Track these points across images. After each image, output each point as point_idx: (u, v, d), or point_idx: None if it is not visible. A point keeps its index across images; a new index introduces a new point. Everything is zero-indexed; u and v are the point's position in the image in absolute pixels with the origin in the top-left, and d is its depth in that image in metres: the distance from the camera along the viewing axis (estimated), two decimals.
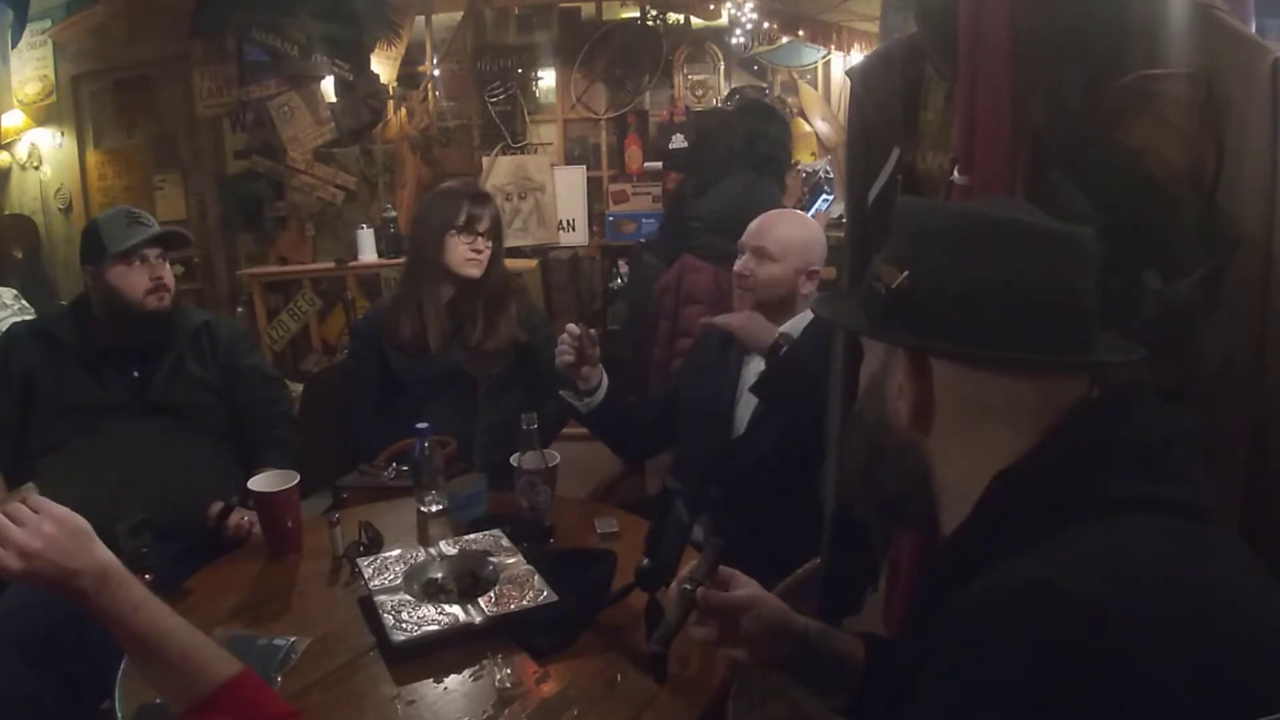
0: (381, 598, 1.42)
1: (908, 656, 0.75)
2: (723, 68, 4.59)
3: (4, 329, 2.46)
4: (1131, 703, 0.58)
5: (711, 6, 4.33)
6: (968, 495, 0.76)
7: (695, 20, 4.54)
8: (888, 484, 0.83)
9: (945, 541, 0.80)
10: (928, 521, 0.83)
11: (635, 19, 4.57)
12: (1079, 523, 0.68)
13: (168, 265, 2.07)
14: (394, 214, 4.44)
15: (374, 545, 1.65)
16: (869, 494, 0.88)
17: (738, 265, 2.03)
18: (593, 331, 1.96)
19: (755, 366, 2.06)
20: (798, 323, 2.03)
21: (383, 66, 4.51)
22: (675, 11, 4.51)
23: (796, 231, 2.03)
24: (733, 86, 4.52)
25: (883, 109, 1.45)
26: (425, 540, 1.70)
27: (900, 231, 0.83)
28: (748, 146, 3.27)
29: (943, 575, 0.76)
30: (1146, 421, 0.75)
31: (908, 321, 0.78)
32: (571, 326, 1.95)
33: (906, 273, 0.77)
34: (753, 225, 2.06)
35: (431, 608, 1.40)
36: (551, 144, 4.68)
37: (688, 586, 1.03)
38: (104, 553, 0.95)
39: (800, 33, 4.14)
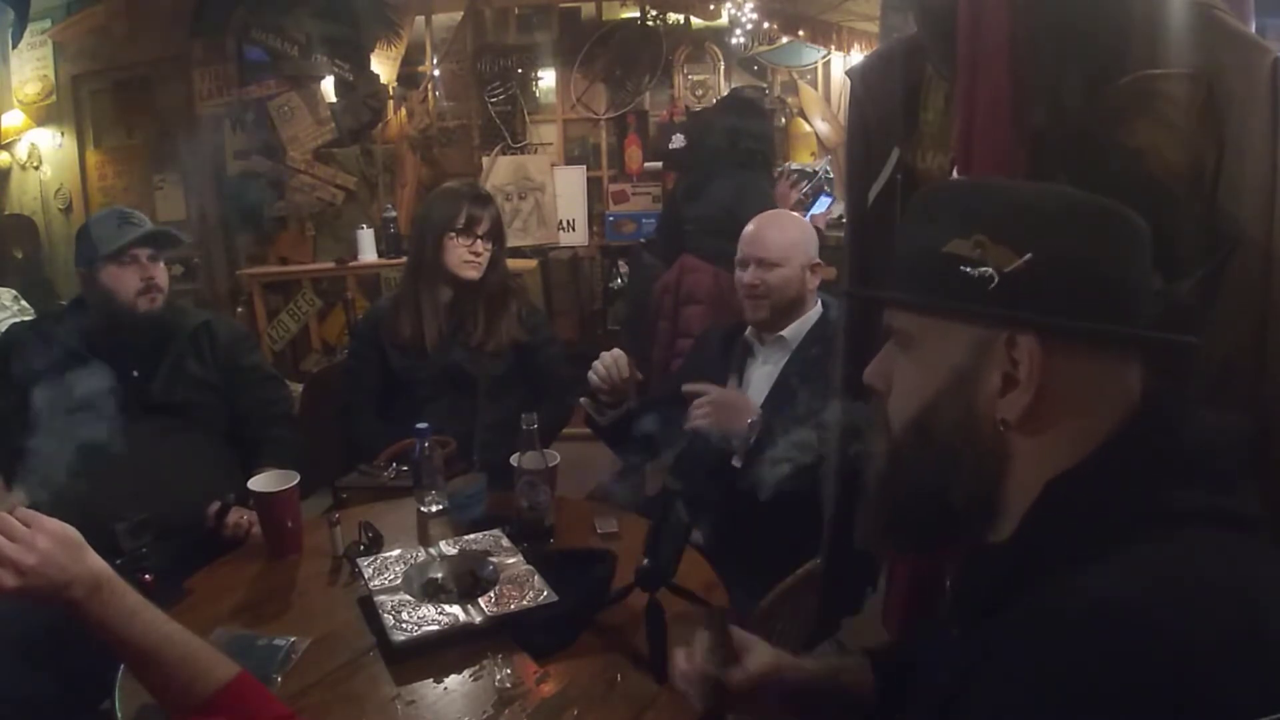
0: (381, 598, 1.42)
1: (954, 665, 0.74)
2: (723, 68, 4.59)
3: (4, 329, 2.46)
4: (1192, 716, 0.58)
5: (711, 6, 4.33)
6: (1026, 502, 0.74)
7: (695, 20, 4.54)
8: (956, 495, 0.77)
9: (994, 550, 0.77)
10: (980, 534, 0.78)
11: (635, 19, 4.58)
12: (1135, 535, 0.67)
13: (160, 265, 2.06)
14: (394, 214, 4.45)
15: (374, 545, 1.65)
16: (930, 510, 0.80)
17: (747, 277, 2.02)
18: (639, 376, 1.97)
19: (757, 367, 2.06)
20: (799, 327, 2.03)
21: (383, 66, 4.51)
22: (675, 11, 4.52)
23: (792, 231, 2.05)
24: (733, 86, 4.53)
25: (883, 109, 1.45)
26: (425, 540, 1.70)
27: (995, 211, 0.78)
28: (731, 144, 3.27)
29: (992, 582, 0.74)
30: (1196, 431, 0.74)
31: (1032, 304, 0.73)
32: (608, 358, 1.94)
33: (1029, 255, 0.73)
34: (748, 234, 2.06)
35: (431, 608, 1.40)
36: (551, 144, 4.68)
37: (713, 671, 0.99)
38: (96, 561, 0.94)
39: (800, 33, 4.14)
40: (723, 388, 1.96)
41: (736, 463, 1.87)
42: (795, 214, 2.25)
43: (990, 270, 0.74)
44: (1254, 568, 0.67)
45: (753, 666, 1.00)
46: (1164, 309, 0.85)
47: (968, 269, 0.75)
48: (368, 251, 4.42)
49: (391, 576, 1.49)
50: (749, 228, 2.08)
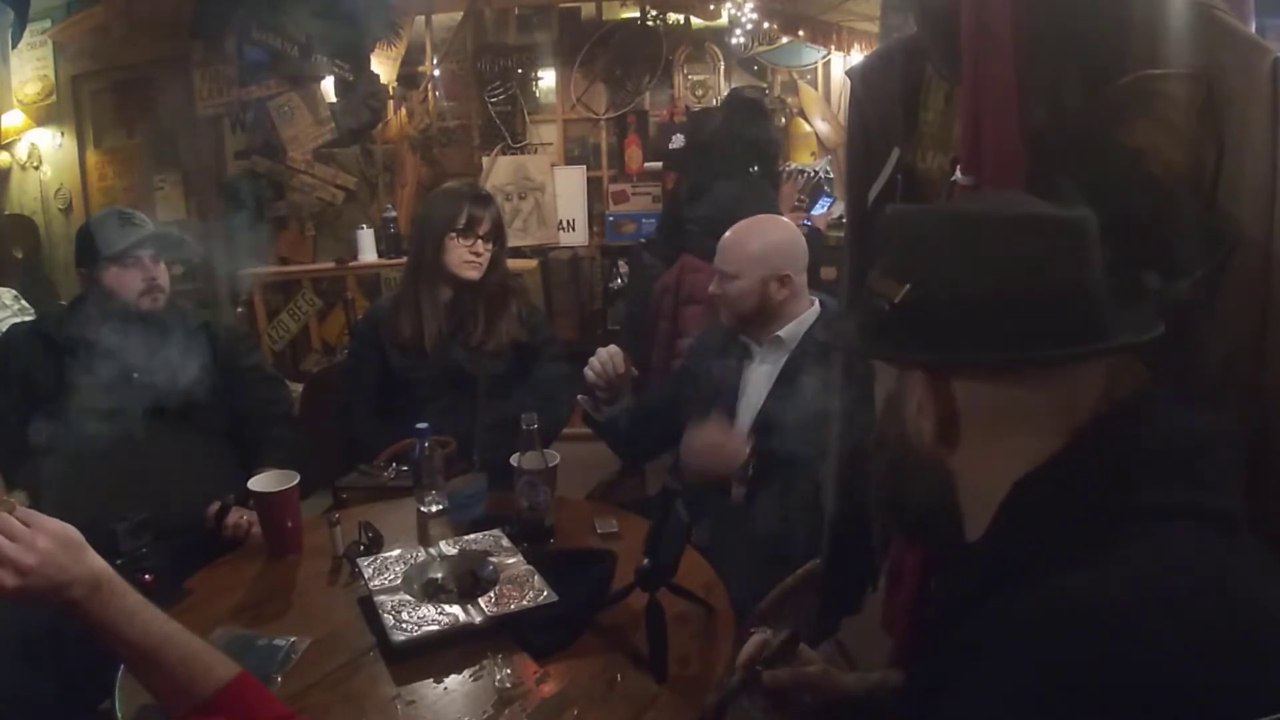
0: (381, 598, 1.42)
1: (934, 665, 0.74)
2: (723, 68, 4.59)
3: (4, 329, 2.45)
4: (1172, 715, 0.58)
5: (711, 6, 4.33)
6: (993, 504, 0.75)
7: (695, 20, 4.54)
8: (914, 504, 0.82)
9: (969, 550, 0.78)
10: (954, 536, 0.80)
11: (635, 19, 4.57)
12: (1111, 533, 0.67)
13: (162, 266, 2.07)
14: (394, 214, 4.44)
15: (374, 545, 1.65)
16: (897, 516, 0.87)
17: (711, 286, 2.04)
18: (635, 373, 1.97)
19: (758, 367, 2.06)
20: (796, 328, 2.02)
21: (383, 66, 4.51)
22: (675, 11, 4.51)
23: (756, 244, 1.99)
24: (733, 86, 4.52)
25: (883, 109, 1.45)
26: (425, 540, 1.70)
27: (893, 242, 0.80)
28: (735, 146, 3.26)
29: (968, 583, 0.75)
30: (1173, 426, 0.73)
31: (918, 336, 0.74)
32: (604, 354, 1.95)
33: (908, 286, 0.74)
34: (720, 242, 2.05)
35: (431, 608, 1.40)
36: (551, 144, 4.68)
37: (760, 668, 1.03)
38: (97, 561, 0.93)
39: (800, 33, 4.14)
40: (715, 422, 1.92)
41: (737, 490, 1.88)
42: (782, 220, 2.21)
43: (884, 303, 0.76)
44: (1234, 564, 0.67)
45: (798, 670, 1.03)
46: (1162, 308, 0.84)
47: (878, 303, 0.78)
48: (368, 251, 4.41)
49: (391, 576, 1.49)
50: (725, 235, 2.07)
